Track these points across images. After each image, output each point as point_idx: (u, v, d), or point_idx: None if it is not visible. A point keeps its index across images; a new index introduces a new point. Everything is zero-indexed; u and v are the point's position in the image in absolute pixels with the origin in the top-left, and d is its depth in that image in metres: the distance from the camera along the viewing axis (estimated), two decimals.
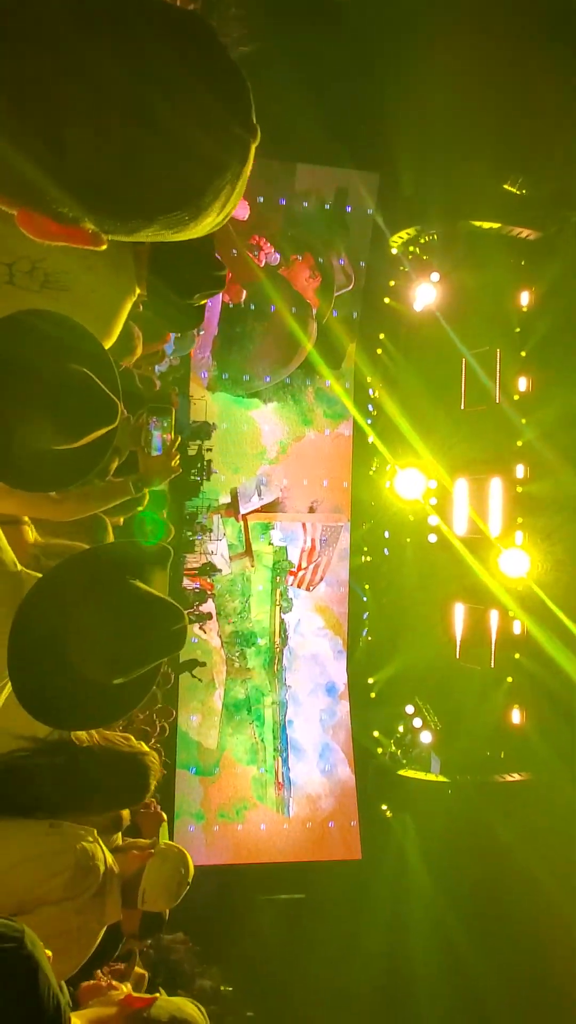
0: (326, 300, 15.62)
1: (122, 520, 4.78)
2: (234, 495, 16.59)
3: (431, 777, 14.11)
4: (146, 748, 2.63)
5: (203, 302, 2.37)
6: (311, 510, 16.73)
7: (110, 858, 2.78)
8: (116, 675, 1.66)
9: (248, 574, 16.85)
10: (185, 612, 1.77)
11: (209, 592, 16.80)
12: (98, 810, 2.79)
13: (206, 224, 1.02)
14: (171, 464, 3.11)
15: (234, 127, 0.95)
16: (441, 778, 13.85)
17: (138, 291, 2.23)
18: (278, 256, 15.32)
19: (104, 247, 1.04)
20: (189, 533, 16.54)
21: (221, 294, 16.28)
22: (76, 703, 1.68)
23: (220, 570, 16.60)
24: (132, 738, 2.63)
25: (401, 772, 14.47)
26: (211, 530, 16.54)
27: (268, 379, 16.08)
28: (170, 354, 12.82)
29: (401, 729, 15.15)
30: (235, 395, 16.22)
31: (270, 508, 16.71)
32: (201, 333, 15.48)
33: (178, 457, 3.15)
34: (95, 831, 2.83)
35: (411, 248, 14.57)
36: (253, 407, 16.34)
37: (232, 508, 16.67)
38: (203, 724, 16.63)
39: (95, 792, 2.54)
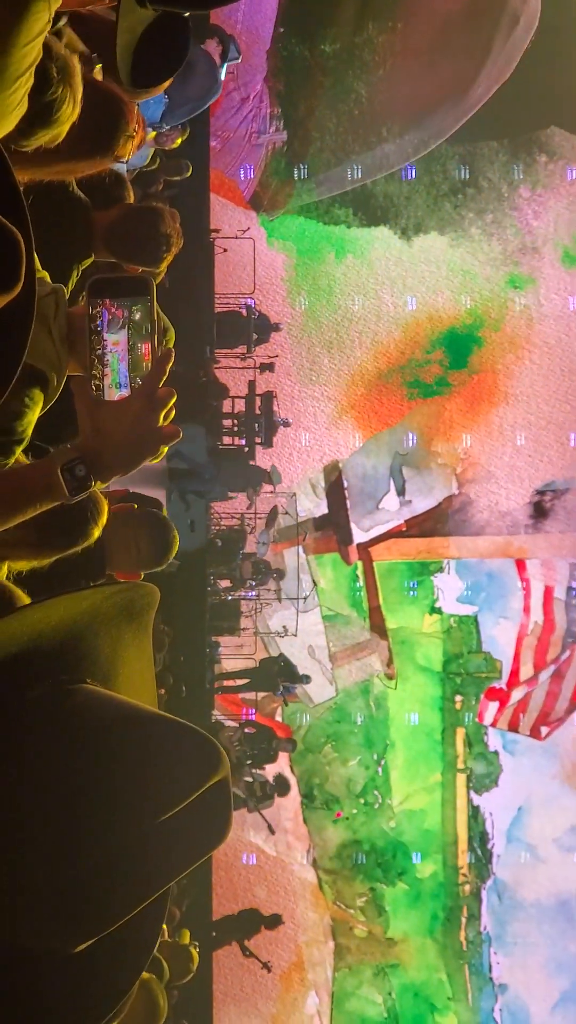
0: None
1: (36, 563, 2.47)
2: (337, 490, 7.30)
3: None
4: None
5: None
6: (538, 513, 7.33)
7: None
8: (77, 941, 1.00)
9: (380, 692, 7.51)
10: (223, 758, 1.00)
11: (284, 739, 7.68)
12: None
13: None
14: (155, 415, 1.38)
15: None
16: None
17: None
18: None
19: None
20: (222, 587, 7.68)
21: None
22: None
23: (305, 680, 7.20)
24: None
25: None
26: (276, 578, 7.66)
27: (413, 170, 6.44)
28: (156, 123, 4.91)
29: None
30: (325, 221, 6.75)
31: (430, 522, 7.51)
32: (233, 63, 6.38)
33: (174, 398, 1.42)
34: None
35: None
36: (375, 248, 6.97)
37: (333, 525, 7.54)
38: None
39: None
